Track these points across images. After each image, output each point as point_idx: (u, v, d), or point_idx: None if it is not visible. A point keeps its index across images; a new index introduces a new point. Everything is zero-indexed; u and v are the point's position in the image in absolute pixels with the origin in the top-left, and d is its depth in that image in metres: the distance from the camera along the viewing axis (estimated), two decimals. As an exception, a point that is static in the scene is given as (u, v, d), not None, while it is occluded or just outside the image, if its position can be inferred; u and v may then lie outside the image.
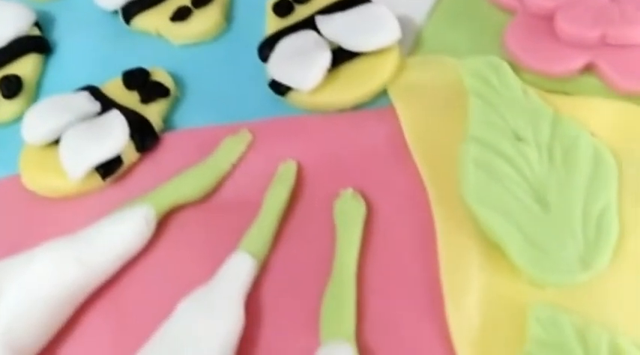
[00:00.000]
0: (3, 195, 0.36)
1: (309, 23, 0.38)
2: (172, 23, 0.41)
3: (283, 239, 0.33)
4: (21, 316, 0.30)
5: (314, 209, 0.33)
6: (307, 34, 0.37)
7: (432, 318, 0.30)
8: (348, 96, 0.36)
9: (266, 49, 0.38)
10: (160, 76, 0.38)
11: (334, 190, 0.33)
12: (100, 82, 0.39)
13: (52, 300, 0.30)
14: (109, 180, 0.35)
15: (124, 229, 0.32)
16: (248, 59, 0.39)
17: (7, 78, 0.40)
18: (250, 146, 0.36)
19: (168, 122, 0.38)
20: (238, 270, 0.31)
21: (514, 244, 0.30)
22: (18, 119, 0.38)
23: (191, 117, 0.38)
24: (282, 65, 0.36)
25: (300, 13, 0.39)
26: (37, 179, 0.36)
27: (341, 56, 0.36)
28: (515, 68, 0.36)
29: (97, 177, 0.35)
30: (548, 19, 0.36)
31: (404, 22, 0.38)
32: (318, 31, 0.37)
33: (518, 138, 0.33)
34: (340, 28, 0.37)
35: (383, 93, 0.37)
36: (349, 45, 0.36)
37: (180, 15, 0.41)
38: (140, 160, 0.36)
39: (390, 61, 0.37)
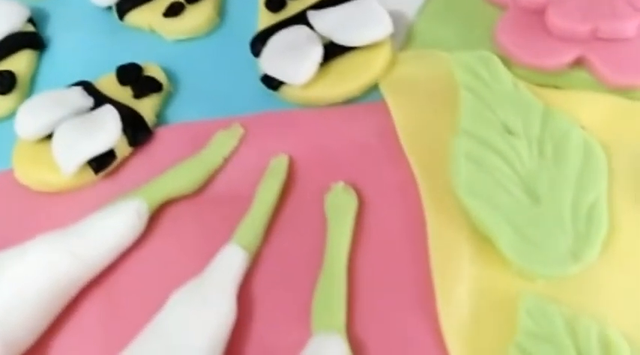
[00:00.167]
0: (-4, 189, 0.36)
1: (301, 18, 0.38)
2: (165, 19, 0.41)
3: (275, 232, 0.33)
4: (13, 309, 0.30)
5: (305, 202, 0.34)
6: (299, 29, 0.37)
7: (422, 310, 0.30)
8: (339, 90, 0.36)
9: (258, 43, 0.38)
10: (153, 71, 0.39)
11: (326, 184, 0.34)
12: (94, 77, 0.39)
13: (45, 293, 0.30)
14: (101, 174, 0.35)
15: (116, 222, 0.32)
16: (240, 54, 0.39)
17: (0, 74, 0.40)
18: (242, 140, 0.36)
19: (161, 117, 0.38)
20: (230, 263, 0.31)
21: (504, 236, 0.30)
22: (12, 115, 0.38)
23: (184, 111, 0.38)
24: (274, 60, 0.37)
25: (293, 8, 0.39)
26: (30, 173, 0.36)
27: (333, 51, 0.37)
28: (507, 62, 0.36)
29: (90, 172, 0.35)
30: (539, 13, 0.37)
31: (396, 17, 0.38)
32: (310, 26, 0.38)
33: (509, 132, 0.33)
34: (332, 22, 0.37)
35: (374, 88, 0.37)
36: (341, 39, 0.37)
37: (173, 10, 0.41)
38: (133, 154, 0.36)
39: (382, 56, 0.37)
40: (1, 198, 0.36)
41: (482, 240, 0.31)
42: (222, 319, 0.29)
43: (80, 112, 0.36)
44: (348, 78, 0.36)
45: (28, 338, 0.30)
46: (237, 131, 0.36)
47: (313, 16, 0.38)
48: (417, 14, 0.40)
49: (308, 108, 0.37)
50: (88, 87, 0.38)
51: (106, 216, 0.33)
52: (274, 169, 0.34)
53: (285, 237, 0.33)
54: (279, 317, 0.31)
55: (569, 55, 0.35)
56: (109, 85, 0.38)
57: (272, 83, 0.37)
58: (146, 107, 0.37)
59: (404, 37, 0.39)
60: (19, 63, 0.41)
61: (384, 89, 0.37)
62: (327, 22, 0.37)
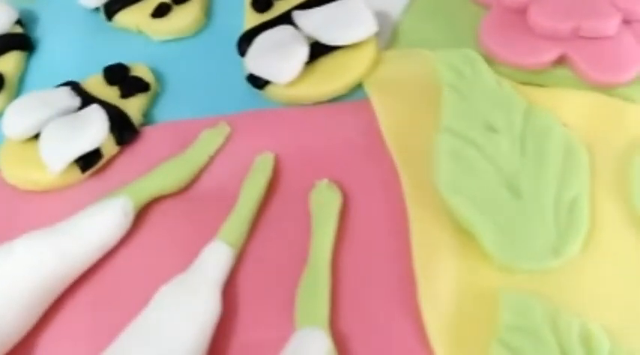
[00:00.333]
0: (-17, 189, 0.37)
1: (286, 18, 0.39)
2: (153, 19, 0.41)
3: (260, 228, 0.33)
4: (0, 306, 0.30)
5: (290, 199, 0.34)
6: (285, 29, 0.38)
7: (405, 305, 0.30)
8: (324, 89, 0.37)
9: (244, 43, 0.38)
10: (140, 71, 0.39)
11: (310, 181, 0.34)
12: (82, 78, 0.39)
13: (31, 291, 0.31)
14: (88, 173, 0.36)
15: (102, 220, 0.33)
16: (227, 54, 0.39)
17: (-11, 75, 0.40)
18: (228, 138, 0.36)
19: (148, 116, 0.38)
20: (215, 259, 0.31)
21: (486, 232, 0.31)
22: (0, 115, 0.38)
23: (171, 111, 0.38)
24: (259, 59, 0.37)
25: (278, 8, 0.40)
26: (18, 173, 0.36)
27: (318, 50, 0.37)
28: (490, 61, 0.37)
29: (77, 171, 0.35)
30: (521, 12, 0.37)
31: (381, 17, 0.38)
32: (296, 26, 0.38)
33: (492, 129, 0.34)
34: (317, 22, 0.37)
35: (359, 87, 0.37)
36: (326, 39, 0.37)
37: (161, 11, 0.41)
38: (120, 153, 0.36)
39: (367, 55, 0.37)
40: (-12, 198, 0.36)
41: (465, 236, 0.31)
42: (207, 315, 0.30)
43: (67, 112, 0.37)
44: (333, 77, 0.37)
45: (15, 336, 0.30)
46: (224, 129, 0.36)
47: (299, 16, 0.38)
48: (402, 14, 0.40)
49: (293, 107, 0.37)
50: (75, 87, 0.38)
51: (93, 213, 0.33)
52: (259, 167, 0.35)
53: (270, 234, 0.33)
54: (264, 313, 0.31)
55: (551, 54, 0.36)
56: (96, 85, 0.38)
57: (258, 82, 0.37)
58: (133, 107, 0.37)
59: (389, 36, 0.39)
60: (7, 64, 0.41)
61: (368, 88, 0.37)
62: (312, 21, 0.38)
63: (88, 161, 0.35)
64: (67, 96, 0.37)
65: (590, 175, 0.33)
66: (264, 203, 0.34)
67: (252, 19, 0.40)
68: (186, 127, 0.37)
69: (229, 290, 0.31)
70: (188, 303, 0.30)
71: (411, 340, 0.30)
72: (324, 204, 0.33)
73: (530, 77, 0.36)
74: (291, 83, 0.36)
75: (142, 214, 0.34)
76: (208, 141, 0.36)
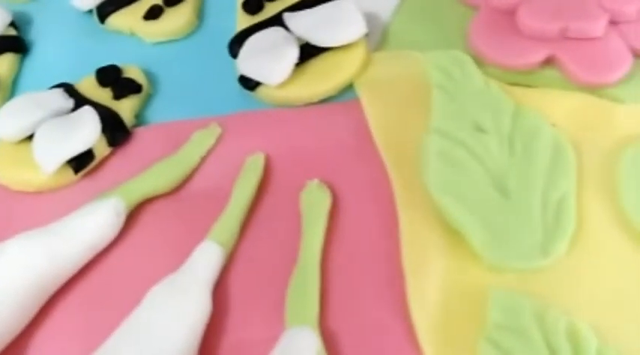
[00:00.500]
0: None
1: (277, 20, 0.39)
2: (145, 22, 0.41)
3: (251, 228, 0.33)
4: (-8, 307, 0.30)
5: (281, 199, 0.34)
6: (276, 31, 0.38)
7: (394, 304, 0.30)
8: (315, 90, 0.37)
9: (236, 45, 0.38)
10: (133, 72, 0.39)
11: (301, 181, 0.34)
12: (76, 79, 0.39)
13: (23, 291, 0.31)
14: (81, 174, 0.36)
15: (94, 220, 0.33)
16: (219, 56, 0.39)
17: (-18, 77, 0.40)
18: (220, 139, 0.36)
19: (140, 117, 0.38)
20: (206, 259, 0.32)
21: (475, 231, 0.31)
22: (-7, 116, 0.38)
23: (163, 112, 0.39)
24: (251, 60, 0.37)
25: (270, 10, 0.40)
26: (11, 173, 0.36)
27: (308, 51, 0.37)
28: (479, 62, 0.37)
29: (70, 171, 0.36)
30: (510, 13, 0.37)
31: (371, 18, 0.39)
32: (287, 28, 0.38)
33: (480, 130, 0.34)
34: (308, 24, 0.38)
35: (349, 88, 0.38)
36: (316, 40, 0.37)
37: (153, 14, 0.41)
38: (112, 154, 0.37)
39: (357, 56, 0.38)
40: (-19, 199, 0.36)
41: (454, 235, 0.31)
42: (197, 314, 0.30)
43: (61, 113, 0.37)
44: (323, 78, 0.37)
45: (7, 335, 0.31)
46: (215, 130, 0.37)
47: (289, 18, 0.38)
48: (392, 15, 0.41)
49: (284, 108, 0.37)
50: (68, 89, 0.38)
51: (84, 214, 0.33)
52: (250, 167, 0.35)
53: (260, 234, 0.33)
54: (255, 313, 0.31)
55: (539, 54, 0.36)
56: (89, 86, 0.39)
57: (249, 83, 0.37)
58: (125, 108, 0.38)
59: (379, 37, 0.40)
60: (0, 66, 0.41)
61: (358, 89, 0.37)
62: (302, 23, 0.38)
63: (80, 162, 0.35)
64: (60, 97, 0.38)
65: (577, 175, 0.33)
66: (255, 203, 0.34)
67: (244, 20, 0.40)
68: (177, 128, 0.37)
69: (220, 290, 0.32)
70: (179, 303, 0.30)
71: (400, 339, 0.30)
72: (315, 203, 0.33)
73: (519, 78, 0.37)
74: (282, 84, 0.37)
75: (133, 214, 0.34)
76: (200, 142, 0.36)
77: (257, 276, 0.32)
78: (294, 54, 0.37)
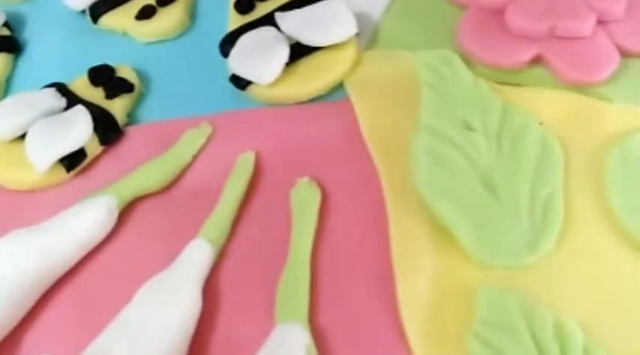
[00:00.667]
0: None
1: (268, 19, 0.39)
2: (137, 21, 0.42)
3: (242, 226, 0.34)
4: (-17, 305, 0.30)
5: (271, 197, 0.34)
6: (267, 30, 0.38)
7: (383, 300, 0.31)
8: (305, 89, 0.37)
9: (227, 44, 0.39)
10: (125, 72, 0.39)
11: (291, 179, 0.34)
12: (69, 79, 0.40)
13: (14, 289, 0.31)
14: (73, 172, 0.36)
15: (85, 219, 0.33)
16: (210, 55, 0.40)
17: (-24, 77, 0.40)
18: (211, 138, 0.37)
19: (133, 117, 0.39)
20: (196, 257, 0.32)
21: (462, 228, 0.31)
22: (-14, 117, 0.38)
23: (155, 111, 0.39)
24: (242, 60, 0.37)
25: (261, 10, 0.40)
26: (3, 173, 0.36)
27: (299, 51, 0.38)
28: (468, 61, 0.37)
29: (62, 170, 0.36)
30: (498, 12, 0.38)
31: (361, 18, 0.39)
32: (278, 27, 0.38)
33: (469, 128, 0.34)
34: (299, 23, 0.38)
35: (340, 87, 0.38)
36: (307, 40, 0.38)
37: (145, 14, 0.42)
38: (104, 153, 0.37)
39: (347, 56, 0.38)
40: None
41: (442, 233, 0.32)
42: (187, 312, 0.30)
43: (53, 113, 0.37)
44: (314, 77, 0.37)
45: (-1, 333, 0.31)
46: (206, 129, 0.37)
47: (280, 18, 0.39)
48: (382, 15, 0.41)
49: (275, 107, 0.38)
50: (61, 88, 0.39)
51: (77, 212, 0.33)
52: (241, 166, 0.35)
53: (251, 231, 0.34)
54: (245, 310, 0.31)
55: (527, 53, 0.37)
56: (81, 86, 0.39)
57: (240, 83, 0.37)
58: (118, 107, 0.38)
59: (369, 37, 0.40)
60: (-6, 66, 0.41)
61: (349, 88, 0.38)
62: (293, 22, 0.38)
63: (72, 161, 0.36)
64: (52, 97, 0.38)
65: (565, 173, 0.33)
66: (246, 201, 0.34)
67: (235, 20, 0.40)
68: (169, 127, 0.37)
69: (211, 287, 0.32)
70: (169, 300, 0.30)
71: (390, 335, 0.30)
72: (305, 201, 0.34)
73: (507, 77, 0.37)
74: (273, 83, 0.37)
75: (125, 213, 0.35)
76: (191, 141, 0.36)
77: (247, 273, 0.32)
78: (284, 53, 0.37)
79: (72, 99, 0.38)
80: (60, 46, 0.43)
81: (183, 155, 0.36)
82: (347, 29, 0.38)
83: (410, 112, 0.35)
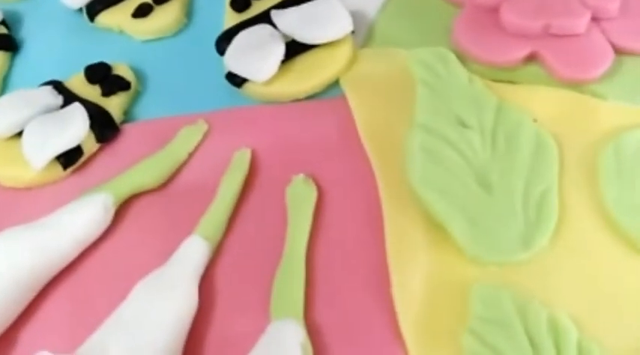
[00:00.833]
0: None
1: (264, 17, 0.39)
2: (134, 20, 0.42)
3: (238, 223, 0.34)
4: (-21, 303, 0.31)
5: (267, 194, 0.35)
6: (263, 28, 0.38)
7: (378, 296, 0.31)
8: (301, 86, 0.38)
9: (223, 42, 0.39)
10: (122, 70, 0.40)
11: (287, 176, 0.35)
12: (66, 77, 0.40)
13: (9, 286, 0.31)
14: (69, 169, 0.36)
15: (82, 216, 0.33)
16: (207, 53, 0.40)
17: (-27, 76, 0.40)
18: (207, 135, 0.37)
19: (129, 114, 0.39)
20: (192, 253, 0.32)
21: (457, 225, 0.31)
22: (-16, 115, 0.38)
23: (152, 109, 0.39)
24: (238, 57, 0.38)
25: (257, 8, 0.40)
26: (0, 170, 0.36)
27: (295, 48, 0.38)
28: (463, 58, 0.37)
29: (59, 168, 0.36)
30: (493, 10, 0.38)
31: (356, 16, 0.39)
32: (274, 25, 0.39)
33: (463, 125, 0.34)
34: (294, 21, 0.38)
35: (335, 84, 0.38)
36: (303, 37, 0.38)
37: (142, 11, 0.42)
38: (100, 150, 0.37)
39: (343, 53, 0.38)
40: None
41: (437, 229, 0.32)
42: (183, 308, 0.30)
43: (50, 110, 0.37)
44: (309, 74, 0.38)
45: (-5, 331, 0.31)
46: (202, 127, 0.37)
47: (276, 15, 0.39)
48: (378, 13, 0.41)
49: (271, 104, 0.38)
50: (58, 86, 0.39)
51: (73, 209, 0.33)
52: (237, 163, 0.35)
53: (247, 228, 0.34)
54: (240, 306, 0.31)
55: (522, 51, 0.37)
56: (78, 84, 0.39)
57: (236, 80, 0.38)
58: (114, 105, 0.38)
59: (364, 35, 0.40)
60: (-9, 64, 0.42)
61: (344, 85, 0.38)
62: (289, 20, 0.38)
63: (69, 158, 0.36)
64: (49, 94, 0.38)
65: (559, 169, 0.33)
66: (242, 198, 0.34)
67: (231, 18, 0.40)
68: (165, 125, 0.37)
69: (207, 284, 0.32)
70: (165, 297, 0.30)
71: (384, 331, 0.30)
72: (300, 198, 0.34)
73: (502, 74, 0.37)
74: (269, 81, 0.37)
75: (122, 210, 0.35)
76: (187, 138, 0.37)
77: (243, 270, 0.32)
78: (280, 51, 0.37)
79: (69, 97, 0.38)
80: (57, 44, 0.43)
81: (180, 152, 0.36)
82: (342, 27, 0.38)
83: (405, 110, 0.36)
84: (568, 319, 0.29)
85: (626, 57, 0.37)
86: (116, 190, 0.34)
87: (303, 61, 0.38)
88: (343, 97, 0.37)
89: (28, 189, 0.36)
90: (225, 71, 0.38)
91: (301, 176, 0.34)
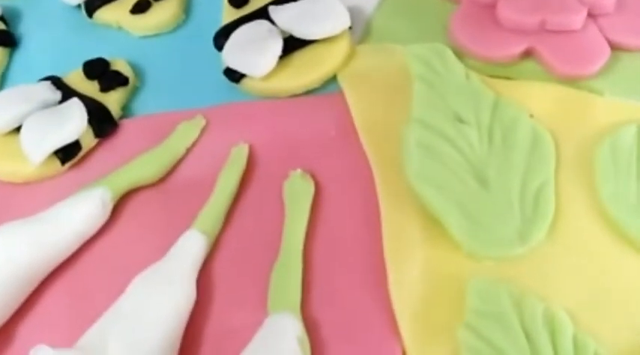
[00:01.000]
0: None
1: (262, 13, 0.39)
2: (132, 16, 0.42)
3: (235, 217, 0.34)
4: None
5: (265, 189, 0.35)
6: (260, 24, 0.39)
7: (375, 291, 0.31)
8: (299, 82, 0.38)
9: (221, 38, 0.39)
10: (120, 65, 0.40)
11: (284, 171, 0.35)
12: (64, 73, 0.40)
13: (8, 281, 0.31)
14: (68, 165, 0.36)
15: (80, 210, 0.33)
16: (205, 49, 0.40)
17: (-28, 71, 0.41)
18: (204, 130, 0.37)
19: (127, 109, 0.39)
20: (190, 247, 0.32)
21: (454, 220, 0.32)
22: (-17, 110, 0.39)
23: (150, 104, 0.39)
24: (236, 53, 0.38)
25: (255, 3, 0.40)
26: (-1, 165, 0.36)
27: (293, 44, 0.38)
28: (460, 55, 0.38)
29: (57, 162, 0.36)
30: (490, 7, 0.38)
31: (354, 12, 0.39)
32: (272, 21, 0.39)
33: (460, 120, 0.35)
34: (292, 17, 0.38)
35: (333, 80, 0.38)
36: (300, 33, 0.38)
37: (140, 8, 0.42)
38: (98, 145, 0.37)
39: (340, 49, 0.38)
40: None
41: (434, 224, 0.32)
42: (181, 302, 0.30)
43: (48, 106, 0.37)
44: (307, 70, 0.38)
45: (-6, 324, 0.31)
46: (200, 122, 0.37)
47: (274, 11, 0.39)
48: (375, 9, 0.41)
49: (268, 100, 0.38)
50: (56, 81, 0.39)
51: (71, 203, 0.33)
52: (235, 158, 0.35)
53: (245, 223, 0.34)
54: (238, 300, 0.32)
55: (519, 47, 0.37)
56: (76, 79, 0.39)
57: (234, 76, 0.38)
58: (112, 100, 0.38)
59: (362, 30, 0.40)
60: (-10, 60, 0.42)
61: (341, 81, 0.38)
62: (287, 16, 0.38)
63: (67, 153, 0.36)
64: (47, 90, 0.38)
65: (556, 165, 0.34)
66: (240, 193, 0.35)
67: (229, 14, 0.40)
68: (163, 120, 0.37)
69: (204, 278, 0.32)
70: (163, 291, 0.30)
71: (381, 326, 0.30)
72: (298, 193, 0.34)
73: (499, 70, 0.37)
74: (267, 76, 0.37)
75: (119, 204, 0.35)
76: (185, 133, 0.37)
77: (241, 264, 0.33)
78: (278, 46, 0.37)
79: (67, 92, 0.38)
80: (55, 39, 0.43)
81: (177, 147, 0.36)
82: (340, 23, 0.38)
83: (402, 105, 0.36)
84: (564, 313, 0.29)
85: (623, 53, 0.37)
86: (114, 185, 0.34)
87: (300, 56, 0.38)
88: (341, 93, 0.37)
89: (26, 183, 0.36)
90: (223, 67, 0.38)
91: (299, 171, 0.34)
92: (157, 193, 0.35)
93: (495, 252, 0.31)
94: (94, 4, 0.43)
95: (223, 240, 0.33)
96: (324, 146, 0.36)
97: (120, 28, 0.43)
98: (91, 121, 0.36)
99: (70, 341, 0.29)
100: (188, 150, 0.36)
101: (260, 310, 0.31)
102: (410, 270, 0.31)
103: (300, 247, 0.32)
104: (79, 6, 0.44)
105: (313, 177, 0.35)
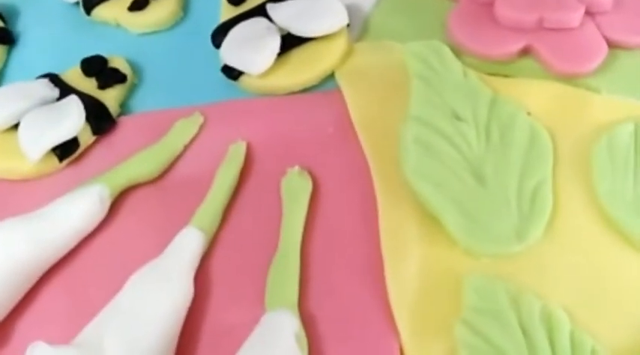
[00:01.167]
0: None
1: (260, 10, 0.39)
2: (130, 13, 0.42)
3: (233, 214, 0.34)
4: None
5: (263, 186, 0.35)
6: (258, 21, 0.39)
7: (372, 287, 0.31)
8: (297, 79, 0.38)
9: (219, 35, 0.39)
10: (118, 63, 0.40)
11: (282, 168, 0.35)
12: (62, 70, 0.40)
13: (6, 277, 0.31)
14: (65, 162, 0.36)
15: (78, 207, 0.33)
16: (203, 46, 0.40)
17: (-30, 69, 0.41)
18: (202, 128, 0.37)
19: (125, 107, 0.39)
20: (187, 244, 0.32)
21: (451, 217, 0.32)
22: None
23: (148, 101, 0.39)
24: (234, 50, 0.38)
25: (253, 1, 0.41)
26: (-4, 162, 0.36)
27: (290, 41, 0.38)
28: (458, 52, 0.38)
29: (55, 159, 0.36)
30: (488, 4, 0.38)
31: (352, 9, 0.39)
32: (269, 18, 0.39)
33: (458, 118, 0.35)
34: (290, 14, 0.38)
35: (331, 77, 0.38)
36: (298, 30, 0.38)
37: (138, 5, 0.42)
38: (96, 142, 0.37)
39: (338, 46, 0.38)
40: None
41: (431, 221, 0.32)
42: (179, 298, 0.30)
43: (46, 103, 0.37)
44: (305, 68, 0.38)
45: (-8, 320, 0.31)
46: (198, 119, 0.37)
47: (272, 9, 0.39)
48: (373, 6, 0.41)
49: (266, 97, 0.38)
50: (54, 78, 0.39)
51: (69, 200, 0.33)
52: (232, 155, 0.35)
53: (242, 220, 0.34)
54: (235, 297, 0.32)
55: (516, 45, 0.37)
56: (74, 76, 0.39)
57: (232, 73, 0.38)
58: (110, 97, 0.38)
59: (360, 28, 0.40)
60: (-12, 58, 0.42)
61: (339, 78, 0.38)
62: (285, 13, 0.38)
63: (65, 150, 0.36)
64: (45, 87, 0.38)
65: (553, 163, 0.34)
66: (237, 190, 0.35)
67: (228, 11, 0.40)
68: (161, 117, 0.37)
69: (202, 275, 0.32)
70: (161, 288, 0.30)
71: (378, 322, 0.30)
72: (296, 190, 0.34)
73: (497, 68, 0.37)
74: (265, 74, 0.37)
75: (117, 201, 0.35)
76: (183, 131, 0.37)
77: (238, 261, 0.33)
78: (276, 44, 0.37)
79: (65, 90, 0.38)
80: (53, 37, 0.43)
81: (175, 144, 0.36)
82: (338, 20, 0.38)
83: (400, 102, 0.36)
84: (561, 311, 0.29)
85: (620, 51, 0.37)
86: (112, 182, 0.34)
87: (298, 54, 0.38)
88: (338, 90, 0.37)
89: (24, 180, 0.36)
90: (221, 64, 0.38)
91: (296, 168, 0.34)
92: (154, 190, 0.35)
93: (492, 249, 0.31)
94: (92, 2, 0.43)
95: (221, 237, 0.33)
96: (321, 143, 0.36)
97: (118, 25, 0.43)
98: (88, 118, 0.36)
99: (67, 337, 0.29)
100: (186, 148, 0.36)
101: (257, 307, 0.31)
102: (407, 267, 0.31)
103: (298, 244, 0.32)
104: (77, 3, 0.44)
105: (311, 174, 0.35)
